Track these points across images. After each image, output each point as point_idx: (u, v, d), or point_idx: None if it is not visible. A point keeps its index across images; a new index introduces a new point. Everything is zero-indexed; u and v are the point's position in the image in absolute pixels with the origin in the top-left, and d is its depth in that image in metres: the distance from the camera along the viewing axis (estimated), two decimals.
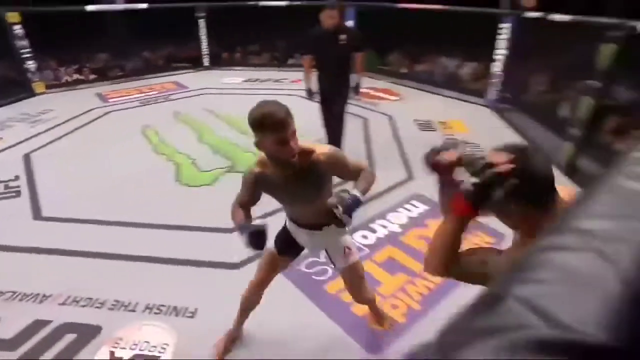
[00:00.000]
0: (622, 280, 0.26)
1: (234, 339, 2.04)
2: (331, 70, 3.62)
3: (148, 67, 8.36)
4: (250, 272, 2.48)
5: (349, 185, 1.59)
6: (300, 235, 1.80)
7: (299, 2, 7.88)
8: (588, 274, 0.27)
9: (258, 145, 1.45)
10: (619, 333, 0.23)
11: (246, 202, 1.65)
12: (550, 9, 4.83)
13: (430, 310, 2.26)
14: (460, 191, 0.93)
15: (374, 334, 2.11)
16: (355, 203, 1.45)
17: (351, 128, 4.93)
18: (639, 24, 3.21)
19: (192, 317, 2.22)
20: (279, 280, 2.42)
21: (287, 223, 1.84)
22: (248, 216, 1.61)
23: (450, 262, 1.01)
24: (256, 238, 1.48)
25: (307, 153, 1.50)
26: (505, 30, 5.57)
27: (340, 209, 1.40)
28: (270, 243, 1.70)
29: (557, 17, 4.51)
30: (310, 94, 3.83)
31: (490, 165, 0.89)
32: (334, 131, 3.90)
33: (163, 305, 2.28)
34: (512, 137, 5.00)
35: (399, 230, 3.00)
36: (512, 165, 0.88)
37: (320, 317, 2.21)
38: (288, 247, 1.83)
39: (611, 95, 3.89)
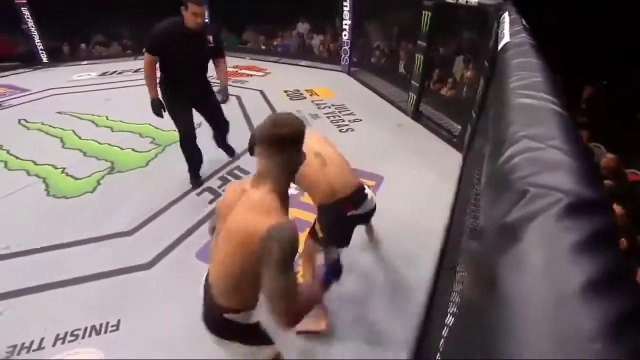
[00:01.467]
0: (572, 157, 0.34)
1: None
2: (193, 77, 2.79)
3: None
4: (164, 269, 2.32)
5: None
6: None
7: None
8: (559, 160, 0.33)
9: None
10: (594, 190, 0.30)
11: None
12: None
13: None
14: None
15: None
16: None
17: (226, 107, 4.73)
18: None
19: (116, 329, 1.94)
20: (203, 268, 2.31)
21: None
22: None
23: None
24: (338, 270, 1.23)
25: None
26: (347, 3, 5.89)
27: None
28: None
29: None
30: (159, 107, 2.79)
31: None
32: (224, 127, 3.26)
33: (77, 330, 1.93)
34: (369, 95, 5.48)
35: (295, 192, 3.09)
36: None
37: None
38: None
39: (432, 53, 4.51)
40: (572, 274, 0.22)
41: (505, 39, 1.19)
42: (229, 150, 3.48)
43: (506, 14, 1.83)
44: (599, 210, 0.28)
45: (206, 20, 2.86)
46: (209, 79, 2.99)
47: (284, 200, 1.08)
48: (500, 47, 1.16)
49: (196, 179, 3.19)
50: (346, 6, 5.92)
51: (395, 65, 5.99)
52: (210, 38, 2.74)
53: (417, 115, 4.51)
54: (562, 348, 0.21)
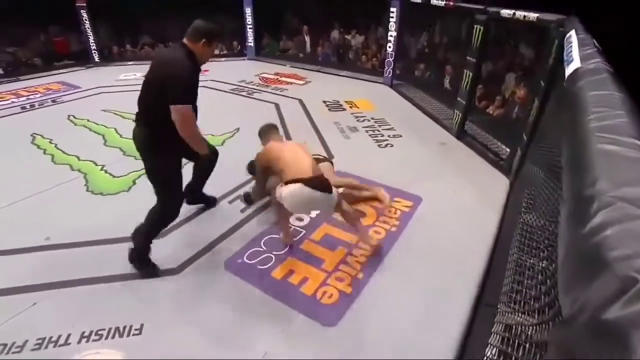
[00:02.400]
0: None
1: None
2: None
3: (19, 65, 7.01)
4: (191, 275, 2.35)
5: None
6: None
7: None
8: None
9: None
10: None
11: None
12: None
13: (371, 277, 2.36)
14: None
15: (327, 309, 2.14)
16: None
17: (266, 113, 4.85)
18: (501, 10, 3.64)
19: (139, 333, 1.97)
20: (227, 277, 2.34)
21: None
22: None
23: None
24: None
25: None
26: (394, 14, 5.86)
27: None
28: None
29: (436, 1, 4.88)
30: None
31: None
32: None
33: (102, 330, 1.97)
34: (411, 110, 5.39)
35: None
36: None
37: (274, 305, 2.17)
38: None
39: (481, 69, 4.38)
40: None
41: (575, 63, 1.10)
42: (209, 200, 3.03)
43: (573, 33, 1.70)
44: None
45: None
46: None
47: None
48: (568, 72, 1.08)
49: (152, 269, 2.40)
50: (392, 17, 5.89)
51: (441, 80, 5.87)
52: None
53: (461, 134, 4.38)
54: None
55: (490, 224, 2.81)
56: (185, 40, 2.13)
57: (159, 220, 2.35)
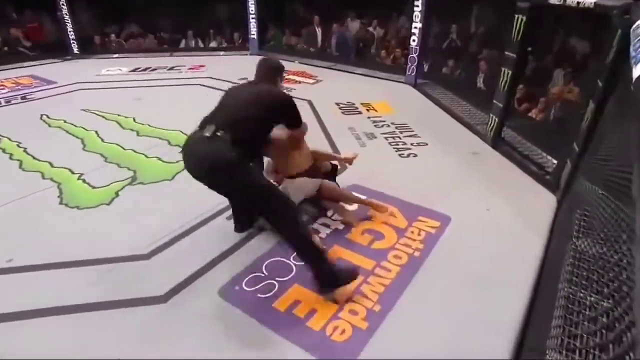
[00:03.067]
0: None
1: None
2: None
3: None
4: (179, 305, 2.34)
5: None
6: None
7: None
8: None
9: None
10: None
11: None
12: None
13: (390, 310, 2.31)
14: None
15: (339, 348, 2.11)
16: None
17: None
18: None
19: None
20: (223, 307, 2.32)
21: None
22: None
23: None
24: None
25: None
26: (419, 3, 5.91)
27: None
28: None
29: None
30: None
31: None
32: None
33: None
34: (439, 114, 5.39)
35: (341, 227, 3.04)
36: None
37: (276, 342, 2.14)
38: None
39: (523, 66, 4.37)
40: None
41: None
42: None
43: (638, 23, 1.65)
44: None
45: None
46: None
47: None
48: (638, 73, 1.04)
49: None
50: (418, 6, 5.93)
51: (474, 78, 5.86)
52: None
53: (497, 142, 4.35)
54: None
55: (533, 249, 2.76)
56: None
57: (297, 233, 2.32)
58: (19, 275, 2.57)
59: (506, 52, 4.09)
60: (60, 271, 2.59)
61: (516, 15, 3.91)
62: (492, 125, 4.39)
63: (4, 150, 4.20)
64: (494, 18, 5.04)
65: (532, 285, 2.49)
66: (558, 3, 3.45)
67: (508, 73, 4.07)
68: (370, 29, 7.85)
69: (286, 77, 6.63)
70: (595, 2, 3.07)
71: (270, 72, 2.66)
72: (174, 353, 2.05)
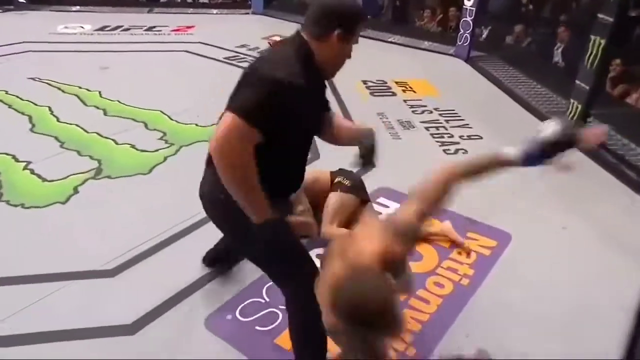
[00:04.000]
0: None
1: None
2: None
3: None
4: (152, 337, 2.34)
5: None
6: None
7: None
8: None
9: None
10: None
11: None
12: None
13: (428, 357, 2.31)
14: None
15: None
16: None
17: None
18: None
19: None
20: (209, 341, 2.33)
21: None
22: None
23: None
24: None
25: None
26: None
27: None
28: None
29: None
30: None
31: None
32: None
33: None
34: (499, 98, 5.35)
35: None
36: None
37: None
38: None
39: (622, 33, 4.30)
40: None
41: None
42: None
43: None
44: None
45: None
46: None
47: None
48: None
49: None
50: None
51: (549, 50, 5.80)
52: None
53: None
54: None
55: (629, 279, 2.71)
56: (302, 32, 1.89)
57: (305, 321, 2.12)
58: None
59: (599, 15, 4.04)
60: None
61: None
62: (572, 113, 4.36)
63: None
64: None
65: (634, 328, 2.45)
66: None
67: (600, 43, 4.03)
68: None
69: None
70: None
71: (322, 21, 1.81)
72: None
